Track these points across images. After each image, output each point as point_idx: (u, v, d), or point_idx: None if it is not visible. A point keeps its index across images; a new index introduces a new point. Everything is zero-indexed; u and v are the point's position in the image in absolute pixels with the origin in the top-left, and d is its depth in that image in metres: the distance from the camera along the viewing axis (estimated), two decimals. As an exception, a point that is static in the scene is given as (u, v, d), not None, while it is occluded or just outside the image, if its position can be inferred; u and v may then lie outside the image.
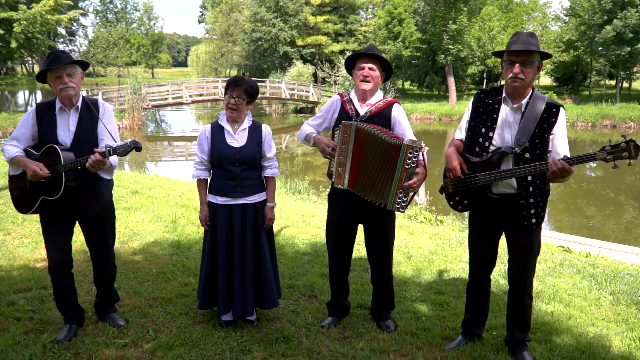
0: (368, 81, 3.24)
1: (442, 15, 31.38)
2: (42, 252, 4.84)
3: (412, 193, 3.07)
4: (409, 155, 2.95)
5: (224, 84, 3.24)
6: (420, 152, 2.97)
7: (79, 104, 3.09)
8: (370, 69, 3.24)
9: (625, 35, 27.64)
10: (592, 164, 17.30)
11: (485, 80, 38.79)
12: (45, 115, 3.06)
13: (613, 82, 39.09)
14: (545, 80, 44.80)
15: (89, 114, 3.10)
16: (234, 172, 3.25)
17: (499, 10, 35.56)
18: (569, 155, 2.77)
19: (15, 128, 3.11)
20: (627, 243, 7.63)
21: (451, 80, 33.34)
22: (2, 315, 3.48)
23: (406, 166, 2.96)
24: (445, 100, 33.76)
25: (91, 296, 3.82)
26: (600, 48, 30.03)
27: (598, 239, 7.63)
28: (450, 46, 31.69)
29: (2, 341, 3.07)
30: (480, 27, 32.59)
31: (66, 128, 3.06)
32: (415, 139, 3.09)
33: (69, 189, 3.01)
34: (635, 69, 33.07)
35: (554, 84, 42.59)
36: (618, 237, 9.04)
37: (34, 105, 3.19)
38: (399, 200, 3.02)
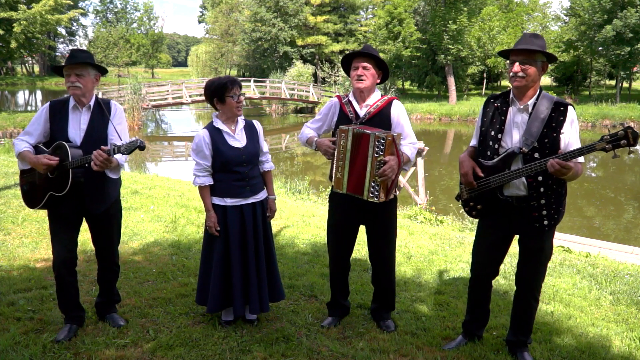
0: (363, 80, 3.24)
1: (442, 15, 31.37)
2: (42, 252, 4.84)
3: (387, 182, 3.03)
4: (376, 144, 2.98)
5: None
6: (387, 142, 2.97)
7: (92, 103, 3.14)
8: (364, 67, 3.24)
9: (625, 35, 27.64)
10: (593, 164, 17.28)
11: (485, 80, 38.79)
12: (58, 113, 3.11)
13: (613, 82, 39.05)
14: (545, 80, 44.80)
15: (101, 114, 3.15)
16: (242, 172, 3.27)
17: (499, 10, 35.55)
18: None
19: (29, 123, 3.15)
20: (627, 243, 7.64)
21: (451, 80, 33.33)
22: (2, 315, 3.48)
23: (375, 155, 2.99)
24: (445, 100, 33.76)
25: (91, 296, 3.83)
26: (600, 48, 30.02)
27: (598, 239, 7.64)
28: (450, 46, 31.67)
29: (2, 341, 3.07)
30: (480, 27, 32.58)
31: (77, 126, 3.10)
32: (416, 140, 3.24)
33: (76, 186, 3.04)
34: (635, 69, 33.04)
35: (554, 84, 42.55)
36: (618, 237, 9.05)
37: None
38: (372, 190, 3.03)
